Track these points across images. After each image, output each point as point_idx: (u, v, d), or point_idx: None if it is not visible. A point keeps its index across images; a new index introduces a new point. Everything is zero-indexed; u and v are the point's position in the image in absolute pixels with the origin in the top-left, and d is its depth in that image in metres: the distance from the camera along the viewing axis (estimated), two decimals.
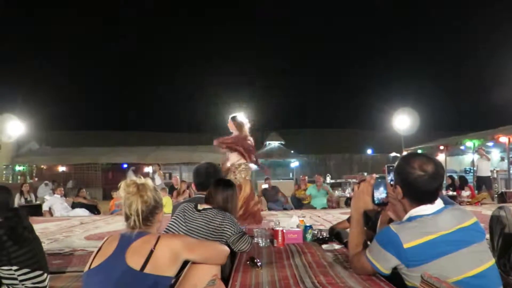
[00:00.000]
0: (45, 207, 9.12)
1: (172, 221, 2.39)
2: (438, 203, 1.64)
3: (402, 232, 1.55)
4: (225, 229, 2.24)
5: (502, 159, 14.14)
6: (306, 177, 11.57)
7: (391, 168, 1.78)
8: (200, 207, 2.36)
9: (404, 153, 17.92)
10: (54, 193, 9.71)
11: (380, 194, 1.82)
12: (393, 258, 1.56)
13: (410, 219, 1.63)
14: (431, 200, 1.63)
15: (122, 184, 1.68)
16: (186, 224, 2.30)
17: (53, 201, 9.17)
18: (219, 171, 3.06)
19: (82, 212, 9.10)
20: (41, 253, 2.47)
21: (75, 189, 10.89)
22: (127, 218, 1.65)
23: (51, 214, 8.88)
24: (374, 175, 1.90)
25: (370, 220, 2.47)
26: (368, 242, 1.87)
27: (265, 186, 10.62)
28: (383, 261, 1.60)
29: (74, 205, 9.46)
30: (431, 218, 1.59)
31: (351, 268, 1.85)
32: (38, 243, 2.51)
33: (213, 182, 2.51)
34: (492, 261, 1.57)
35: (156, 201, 1.70)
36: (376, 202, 1.81)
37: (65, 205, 9.24)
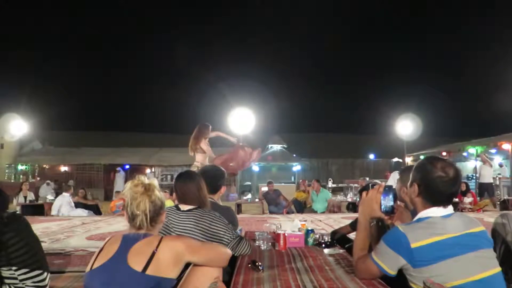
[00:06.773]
0: (54, 209, 9.01)
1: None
2: (450, 209, 1.66)
3: (410, 232, 1.56)
4: (220, 234, 2.18)
5: (501, 166, 14.09)
6: (306, 181, 11.67)
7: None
8: (182, 208, 2.27)
9: (407, 158, 17.94)
10: (56, 194, 9.67)
11: (388, 202, 1.83)
12: (400, 258, 1.56)
13: (419, 220, 1.64)
14: (444, 204, 1.64)
15: (129, 184, 1.69)
16: (172, 227, 2.19)
17: (62, 201, 9.12)
18: (224, 173, 3.04)
19: (82, 212, 9.08)
20: (40, 252, 2.46)
21: (77, 189, 10.85)
22: (133, 218, 1.65)
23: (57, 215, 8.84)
24: (383, 183, 1.92)
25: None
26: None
27: (265, 189, 10.64)
28: (390, 261, 1.60)
29: (75, 206, 9.45)
30: (440, 221, 1.60)
31: (354, 273, 1.85)
32: (37, 242, 2.50)
33: (178, 180, 2.37)
34: (498, 269, 1.57)
35: (161, 201, 1.71)
36: (383, 210, 1.83)
37: (72, 204, 9.20)
